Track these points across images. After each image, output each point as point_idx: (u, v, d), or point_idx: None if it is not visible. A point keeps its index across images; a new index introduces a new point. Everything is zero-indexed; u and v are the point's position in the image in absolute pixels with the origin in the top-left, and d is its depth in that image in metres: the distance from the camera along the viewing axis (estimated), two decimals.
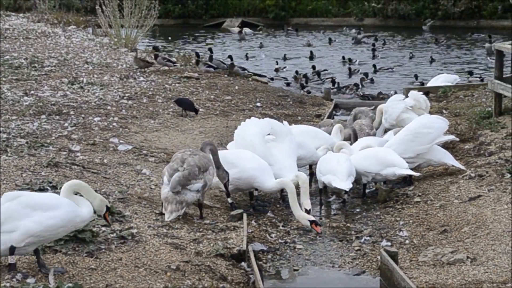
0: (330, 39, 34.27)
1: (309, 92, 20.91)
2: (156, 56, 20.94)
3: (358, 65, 26.33)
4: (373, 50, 30.64)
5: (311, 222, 9.54)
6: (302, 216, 9.65)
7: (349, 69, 25.15)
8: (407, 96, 14.53)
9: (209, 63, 21.85)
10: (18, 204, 6.74)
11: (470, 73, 23.34)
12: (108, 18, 25.66)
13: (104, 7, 25.47)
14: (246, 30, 38.45)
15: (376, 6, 40.81)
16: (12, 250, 6.70)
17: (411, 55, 28.66)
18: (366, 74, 23.40)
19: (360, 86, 21.95)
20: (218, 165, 9.72)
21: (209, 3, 43.27)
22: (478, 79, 22.32)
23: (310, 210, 9.90)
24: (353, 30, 37.26)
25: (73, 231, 7.38)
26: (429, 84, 19.40)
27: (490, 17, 38.68)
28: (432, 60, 27.53)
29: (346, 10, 42.33)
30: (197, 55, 23.41)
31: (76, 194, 7.14)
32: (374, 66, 24.54)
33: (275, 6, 42.70)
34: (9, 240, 6.66)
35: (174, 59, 21.70)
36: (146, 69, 20.01)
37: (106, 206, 7.32)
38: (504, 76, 14.73)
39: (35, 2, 39.20)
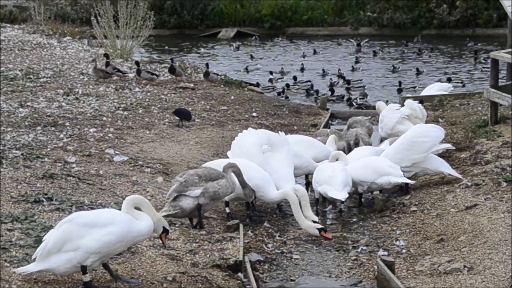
0: (314, 50, 33.86)
1: (287, 97, 21.68)
2: (139, 72, 20.40)
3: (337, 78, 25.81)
4: (356, 62, 30.53)
5: (320, 229, 9.64)
6: (309, 225, 9.74)
7: (331, 83, 24.59)
8: (403, 105, 14.58)
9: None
10: (76, 224, 6.89)
11: (449, 80, 23.95)
12: (103, 29, 25.64)
13: (99, 18, 25.47)
14: (238, 43, 38.31)
15: (372, 15, 40.87)
16: (83, 268, 6.86)
17: (393, 67, 28.09)
18: (348, 81, 23.70)
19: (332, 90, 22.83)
20: (244, 185, 9.86)
21: (205, 13, 43.28)
22: (460, 84, 23.51)
23: (317, 221, 10.01)
24: (352, 41, 37.53)
25: None
26: (423, 93, 19.42)
27: (486, 26, 38.76)
28: (419, 72, 27.20)
29: (341, 19, 42.38)
30: (207, 66, 23.45)
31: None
32: (348, 82, 23.98)
33: (270, 16, 42.73)
34: (75, 259, 6.82)
35: (157, 72, 21.44)
36: (105, 79, 19.66)
37: (164, 227, 7.40)
38: (500, 84, 14.76)
39: (30, 14, 39.16)
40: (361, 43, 35.21)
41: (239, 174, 9.78)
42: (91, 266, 6.96)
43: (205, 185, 9.39)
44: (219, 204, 10.34)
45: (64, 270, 6.87)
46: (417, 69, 27.44)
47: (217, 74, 22.04)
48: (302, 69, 28.15)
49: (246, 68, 27.93)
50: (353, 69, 27.56)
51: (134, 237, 7.11)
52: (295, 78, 25.34)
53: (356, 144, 13.15)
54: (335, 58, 31.66)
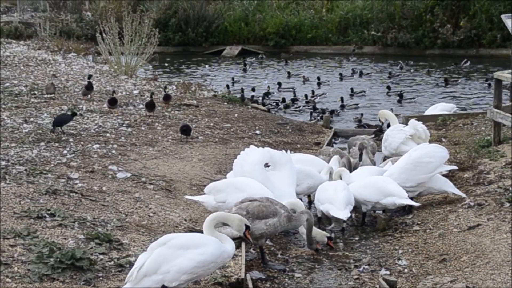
0: (304, 78, 33.61)
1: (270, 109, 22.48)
2: (167, 97, 20.25)
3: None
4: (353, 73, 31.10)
5: (328, 238, 9.90)
6: (321, 232, 9.77)
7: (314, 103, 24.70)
8: (407, 124, 14.60)
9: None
10: (170, 247, 7.11)
11: (400, 96, 24.91)
12: (108, 46, 25.72)
13: (104, 35, 25.55)
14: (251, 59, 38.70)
15: (376, 35, 40.91)
16: None
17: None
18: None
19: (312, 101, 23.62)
20: (310, 242, 9.76)
21: (209, 31, 43.37)
22: (413, 99, 24.23)
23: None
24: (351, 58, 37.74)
25: (72, 260, 7.43)
26: (427, 113, 19.44)
27: (490, 46, 38.78)
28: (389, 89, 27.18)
29: (345, 38, 42.44)
30: (228, 86, 23.29)
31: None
32: (314, 107, 23.91)
33: (275, 34, 42.81)
34: (162, 281, 7.03)
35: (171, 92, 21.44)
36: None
37: (245, 224, 7.92)
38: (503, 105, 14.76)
39: (36, 30, 39.33)
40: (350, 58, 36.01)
41: (309, 229, 9.61)
42: None
43: (251, 224, 8.96)
44: None
45: None
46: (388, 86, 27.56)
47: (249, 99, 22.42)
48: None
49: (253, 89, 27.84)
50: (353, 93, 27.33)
51: (224, 258, 7.47)
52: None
53: (361, 150, 13.20)
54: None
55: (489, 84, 27.62)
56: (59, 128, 14.67)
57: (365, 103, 24.61)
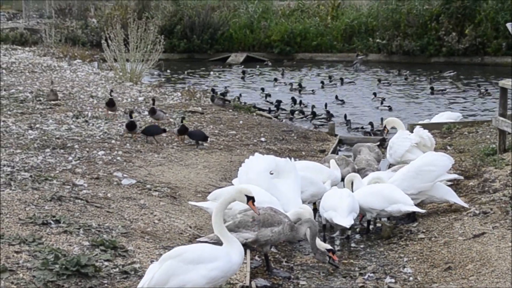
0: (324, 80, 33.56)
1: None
2: (213, 98, 20.28)
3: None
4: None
5: (329, 250, 9.65)
6: (322, 244, 9.71)
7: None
8: (411, 132, 14.59)
9: (222, 97, 22.38)
10: (181, 261, 7.07)
11: (382, 102, 25.76)
12: (113, 52, 25.78)
13: (109, 41, 25.61)
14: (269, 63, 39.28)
15: (381, 42, 40.94)
16: None
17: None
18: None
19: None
20: (315, 251, 9.68)
21: (214, 38, 43.47)
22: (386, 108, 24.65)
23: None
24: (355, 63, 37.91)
25: (77, 267, 7.43)
26: (433, 121, 19.45)
27: (495, 54, 38.76)
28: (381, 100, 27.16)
29: (350, 45, 42.48)
30: (213, 90, 23.35)
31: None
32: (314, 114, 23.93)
33: (280, 41, 42.88)
34: None
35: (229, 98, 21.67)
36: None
37: (246, 195, 7.80)
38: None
39: (41, 36, 39.43)
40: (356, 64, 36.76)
41: (312, 237, 9.55)
42: None
43: (257, 231, 9.15)
44: None
45: None
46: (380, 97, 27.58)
47: (225, 100, 22.09)
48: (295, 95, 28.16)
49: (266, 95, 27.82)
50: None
51: (234, 270, 7.43)
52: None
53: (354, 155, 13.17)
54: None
55: (480, 92, 27.96)
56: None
57: (352, 110, 24.78)
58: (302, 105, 25.05)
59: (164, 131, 15.86)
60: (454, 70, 34.57)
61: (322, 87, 30.78)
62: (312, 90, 29.36)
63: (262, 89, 28.56)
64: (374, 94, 27.40)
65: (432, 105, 26.18)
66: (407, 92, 29.56)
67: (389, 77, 33.74)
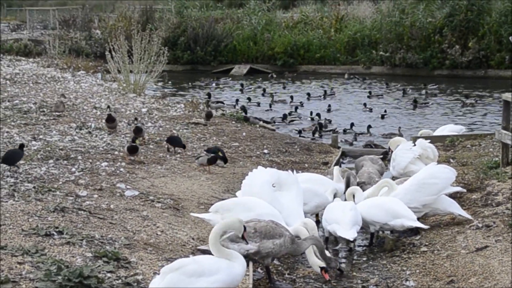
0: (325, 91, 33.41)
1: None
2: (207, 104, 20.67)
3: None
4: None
5: (322, 268, 9.59)
6: (315, 262, 9.69)
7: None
8: (415, 145, 14.58)
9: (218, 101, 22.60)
10: (182, 274, 7.08)
11: (370, 110, 26.91)
12: (117, 64, 25.84)
13: (113, 53, 25.68)
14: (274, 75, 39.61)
15: (384, 55, 41.01)
16: None
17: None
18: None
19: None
20: (327, 262, 9.69)
21: (218, 49, 43.59)
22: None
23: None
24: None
25: (79, 278, 7.43)
26: (435, 134, 19.44)
27: (498, 67, 38.80)
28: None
29: (354, 58, 42.55)
30: (209, 95, 23.40)
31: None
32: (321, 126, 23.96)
33: (283, 53, 42.98)
34: None
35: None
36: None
37: (244, 226, 7.96)
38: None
39: (45, 47, 39.54)
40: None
41: (322, 252, 9.56)
42: None
43: (259, 243, 9.16)
44: None
45: None
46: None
47: (222, 103, 22.30)
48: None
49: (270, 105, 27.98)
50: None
51: (237, 281, 7.45)
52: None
53: (348, 179, 13.04)
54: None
55: (464, 103, 28.53)
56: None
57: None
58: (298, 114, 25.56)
59: (184, 147, 15.96)
60: (436, 84, 34.50)
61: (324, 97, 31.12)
62: (301, 102, 28.94)
63: (258, 103, 28.61)
64: (365, 104, 28.21)
65: (415, 118, 26.16)
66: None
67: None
